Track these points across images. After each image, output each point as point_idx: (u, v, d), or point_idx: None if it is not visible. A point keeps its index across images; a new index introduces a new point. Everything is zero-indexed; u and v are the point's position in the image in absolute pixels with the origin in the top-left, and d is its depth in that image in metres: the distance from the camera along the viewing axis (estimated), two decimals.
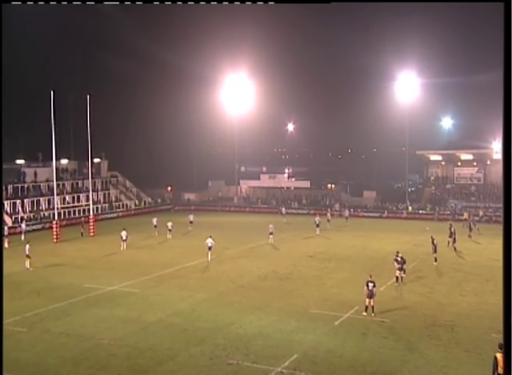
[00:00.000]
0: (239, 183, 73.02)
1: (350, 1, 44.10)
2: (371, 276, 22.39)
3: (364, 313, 21.82)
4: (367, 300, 21.73)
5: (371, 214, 59.51)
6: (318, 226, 45.93)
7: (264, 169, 78.14)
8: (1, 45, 35.57)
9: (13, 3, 18.56)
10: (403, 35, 75.53)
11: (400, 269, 27.10)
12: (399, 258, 27.31)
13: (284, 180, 71.69)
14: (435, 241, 31.97)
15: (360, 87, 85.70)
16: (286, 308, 23.38)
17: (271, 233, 41.35)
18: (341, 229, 48.71)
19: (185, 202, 71.22)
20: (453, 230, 36.31)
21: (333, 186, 71.51)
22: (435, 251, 31.80)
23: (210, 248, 34.96)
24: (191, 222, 49.35)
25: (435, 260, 31.60)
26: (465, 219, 48.55)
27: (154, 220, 46.56)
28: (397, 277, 27.13)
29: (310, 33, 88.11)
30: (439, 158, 66.82)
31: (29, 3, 19.63)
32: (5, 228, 42.86)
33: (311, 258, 34.88)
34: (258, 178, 72.29)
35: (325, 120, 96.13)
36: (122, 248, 38.90)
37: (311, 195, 68.30)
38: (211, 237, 35.68)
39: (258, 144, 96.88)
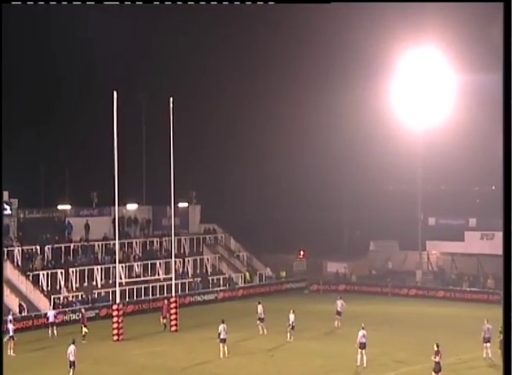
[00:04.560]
0: (424, 247, 71.51)
1: (351, 1, 56.82)
2: (438, 346, 32.38)
3: None
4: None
5: None
6: None
7: (473, 221, 75.38)
8: (0, 45, 41.37)
9: (13, 3, 27.62)
10: None
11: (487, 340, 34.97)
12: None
13: None
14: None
15: None
16: None
17: (487, 341, 39.48)
18: None
19: (329, 279, 71.19)
20: None
21: None
22: None
23: (363, 346, 36.94)
24: (339, 312, 49.14)
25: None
26: None
27: (291, 317, 46.04)
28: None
29: None
30: None
31: (29, 3, 28.88)
32: (52, 316, 46.59)
33: None
34: (461, 239, 69.94)
35: None
36: (221, 354, 39.80)
37: None
38: (363, 328, 37.34)
39: (460, 179, 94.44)
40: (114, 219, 51.46)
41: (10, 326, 42.42)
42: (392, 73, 67.91)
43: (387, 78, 68.52)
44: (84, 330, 44.84)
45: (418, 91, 67.13)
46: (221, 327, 40.10)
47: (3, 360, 25.26)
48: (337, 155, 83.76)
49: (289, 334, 44.38)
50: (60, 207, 61.97)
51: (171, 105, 49.04)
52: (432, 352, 37.68)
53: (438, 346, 33.25)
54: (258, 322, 46.61)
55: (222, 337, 39.94)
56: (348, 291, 65.26)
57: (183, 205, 68.36)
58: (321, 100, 79.49)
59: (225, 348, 39.84)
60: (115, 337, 45.59)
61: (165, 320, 48.87)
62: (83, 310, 48.01)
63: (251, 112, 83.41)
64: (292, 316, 44.65)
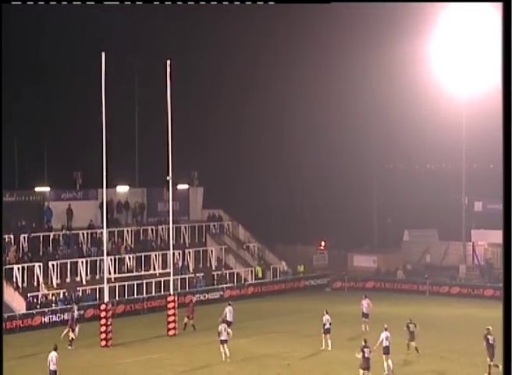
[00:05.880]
0: (469, 237, 71.41)
1: (351, 1, 62.76)
2: (365, 341, 35.79)
3: None
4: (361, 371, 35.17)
5: None
6: None
7: None
8: (0, 45, 45.52)
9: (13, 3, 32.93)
10: None
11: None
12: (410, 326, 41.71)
13: None
14: (410, 327, 41.94)
15: None
16: None
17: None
18: None
19: (355, 274, 71.09)
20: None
21: None
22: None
23: (388, 351, 38.39)
24: (365, 314, 49.42)
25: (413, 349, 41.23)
26: None
27: (326, 318, 46.13)
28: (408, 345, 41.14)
29: None
30: None
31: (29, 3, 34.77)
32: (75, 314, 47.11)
33: None
34: None
35: None
36: (223, 358, 40.55)
37: None
38: (387, 329, 38.78)
39: None
40: (101, 203, 51.51)
41: None
42: (431, 30, 67.57)
43: (426, 37, 68.15)
44: (71, 335, 45.02)
45: (463, 52, 66.83)
46: (221, 327, 41.04)
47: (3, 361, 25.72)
48: (366, 129, 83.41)
49: (324, 341, 44.17)
50: (38, 189, 61.88)
51: (168, 68, 48.91)
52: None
53: (365, 341, 36.19)
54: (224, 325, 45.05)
55: (222, 338, 40.78)
56: (378, 289, 65.47)
57: (182, 187, 68.40)
58: (348, 65, 79.00)
59: (226, 349, 40.57)
60: (103, 343, 45.51)
61: (190, 321, 49.39)
62: (75, 310, 48.37)
63: (267, 76, 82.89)
64: (326, 318, 44.42)
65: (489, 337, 37.58)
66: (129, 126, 72.46)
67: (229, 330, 42.31)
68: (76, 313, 48.16)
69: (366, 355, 35.49)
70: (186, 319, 49.48)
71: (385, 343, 38.06)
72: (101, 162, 45.81)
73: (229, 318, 46.45)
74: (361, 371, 35.44)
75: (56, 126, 78.68)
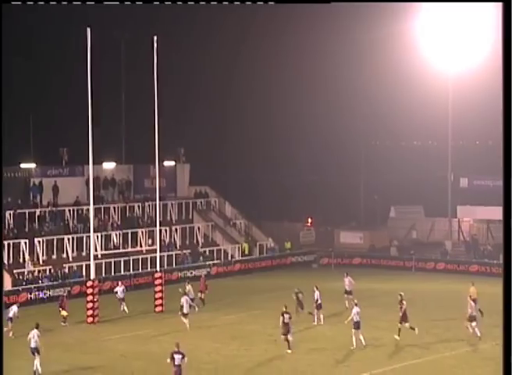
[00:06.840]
0: (455, 214, 71.62)
1: (351, 1, 62.52)
2: (286, 307, 38.20)
3: None
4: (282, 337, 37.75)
5: None
6: None
7: None
8: (0, 45, 45.93)
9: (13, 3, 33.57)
10: None
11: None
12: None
13: None
14: (300, 296, 45.55)
15: None
16: None
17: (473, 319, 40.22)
18: None
19: (342, 251, 71.28)
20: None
21: None
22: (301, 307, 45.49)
23: (358, 326, 38.41)
24: (348, 291, 49.49)
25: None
26: None
27: (316, 294, 46.11)
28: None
29: None
30: None
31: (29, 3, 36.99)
32: (120, 291, 47.84)
33: None
34: (499, 203, 69.80)
35: None
36: (188, 328, 42.73)
37: None
38: (357, 305, 39.07)
39: (498, 133, 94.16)
40: (87, 180, 51.42)
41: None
42: (418, 8, 67.39)
43: (412, 15, 68.04)
44: (63, 312, 45.22)
45: (449, 29, 66.72)
46: (183, 300, 43.32)
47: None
48: (353, 106, 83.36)
49: (316, 317, 44.72)
50: (23, 165, 61.67)
51: (155, 44, 48.70)
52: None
53: (286, 307, 38.72)
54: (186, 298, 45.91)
55: (184, 311, 43.10)
56: (364, 266, 65.71)
57: (169, 163, 68.25)
58: (334, 43, 78.73)
59: (187, 321, 42.90)
60: (90, 319, 45.74)
61: (202, 295, 49.67)
62: (65, 294, 48.92)
63: (253, 53, 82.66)
64: (317, 293, 44.97)
65: (404, 302, 40.62)
66: (116, 102, 72.14)
67: (193, 304, 45.36)
68: (66, 296, 48.39)
69: (285, 321, 37.86)
70: (200, 295, 49.63)
71: (356, 318, 38.44)
72: (87, 139, 45.73)
73: (190, 295, 46.81)
74: (283, 337, 37.87)
75: (42, 101, 78.30)
